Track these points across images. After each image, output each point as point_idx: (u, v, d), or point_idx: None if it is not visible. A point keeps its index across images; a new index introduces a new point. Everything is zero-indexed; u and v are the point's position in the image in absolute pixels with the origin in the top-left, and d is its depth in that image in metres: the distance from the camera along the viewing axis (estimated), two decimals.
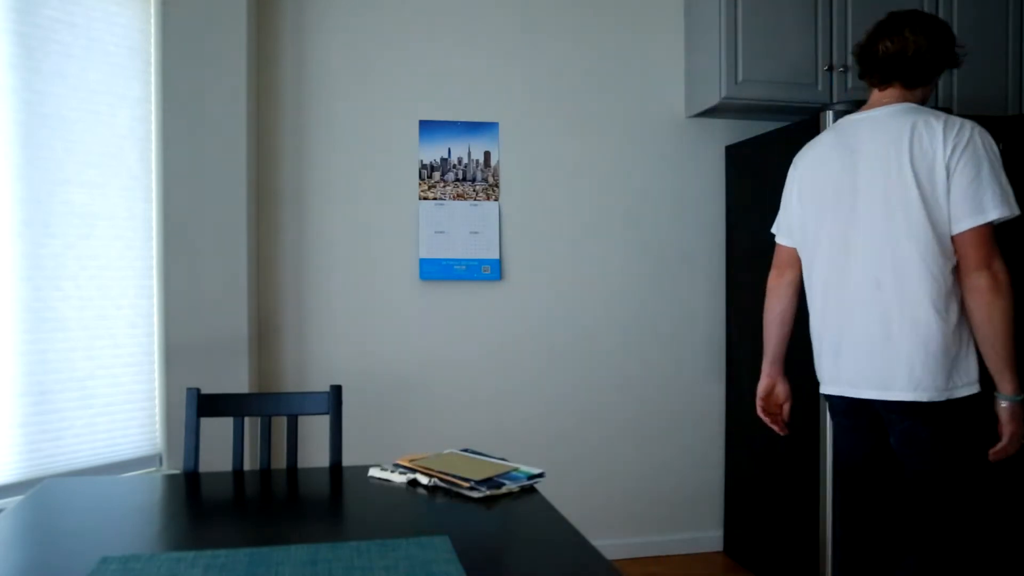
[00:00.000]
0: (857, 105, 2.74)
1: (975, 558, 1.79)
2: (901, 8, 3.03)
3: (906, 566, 1.86)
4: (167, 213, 2.52)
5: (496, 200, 3.08)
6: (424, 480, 1.61)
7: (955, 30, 3.07)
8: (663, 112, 3.22)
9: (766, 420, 2.13)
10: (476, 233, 3.05)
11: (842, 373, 1.87)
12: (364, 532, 1.34)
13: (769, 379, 2.12)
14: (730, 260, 3.22)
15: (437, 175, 3.04)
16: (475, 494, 1.52)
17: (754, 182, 3.04)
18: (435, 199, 3.03)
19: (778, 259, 2.08)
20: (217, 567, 1.15)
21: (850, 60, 2.98)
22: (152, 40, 2.52)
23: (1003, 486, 2.73)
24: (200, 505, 1.54)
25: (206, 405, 1.93)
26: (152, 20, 2.51)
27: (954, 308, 1.73)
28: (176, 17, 2.52)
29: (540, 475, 1.63)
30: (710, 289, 3.27)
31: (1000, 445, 1.73)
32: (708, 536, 3.27)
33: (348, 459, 2.96)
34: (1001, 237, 2.64)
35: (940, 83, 3.07)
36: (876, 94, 1.91)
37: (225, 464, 2.46)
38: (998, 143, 2.71)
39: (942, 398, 1.72)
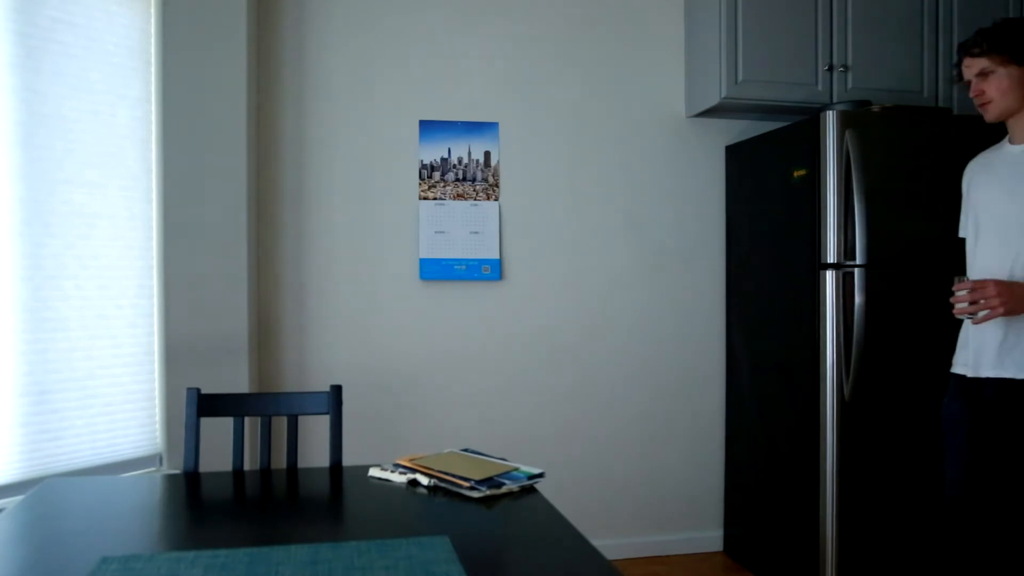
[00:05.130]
0: (857, 105, 2.74)
1: None
2: (901, 9, 3.03)
3: None
4: (167, 213, 2.52)
5: (496, 200, 3.08)
6: (424, 480, 1.61)
7: (955, 31, 3.07)
8: (663, 112, 3.22)
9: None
10: (476, 233, 3.05)
11: None
12: (364, 532, 1.34)
13: None
14: (730, 260, 3.22)
15: (437, 175, 3.04)
16: (475, 494, 1.52)
17: (754, 182, 3.04)
18: (435, 199, 3.03)
19: None
20: (217, 567, 1.15)
21: (850, 60, 2.98)
22: (152, 40, 2.52)
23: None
24: (200, 505, 1.54)
25: (206, 405, 1.93)
26: (152, 20, 2.51)
27: None
28: (176, 17, 2.52)
29: (540, 475, 1.63)
30: (710, 289, 3.26)
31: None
32: (708, 536, 3.27)
33: (348, 459, 2.96)
34: None
35: (939, 84, 3.06)
36: None
37: (225, 464, 2.46)
38: (998, 143, 2.71)
39: None
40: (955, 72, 2.06)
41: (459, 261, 3.04)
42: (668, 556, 3.21)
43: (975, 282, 1.85)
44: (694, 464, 3.28)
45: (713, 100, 2.97)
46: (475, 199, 3.06)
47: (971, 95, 2.00)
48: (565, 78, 3.14)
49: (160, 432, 2.55)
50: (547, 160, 3.13)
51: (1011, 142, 2.05)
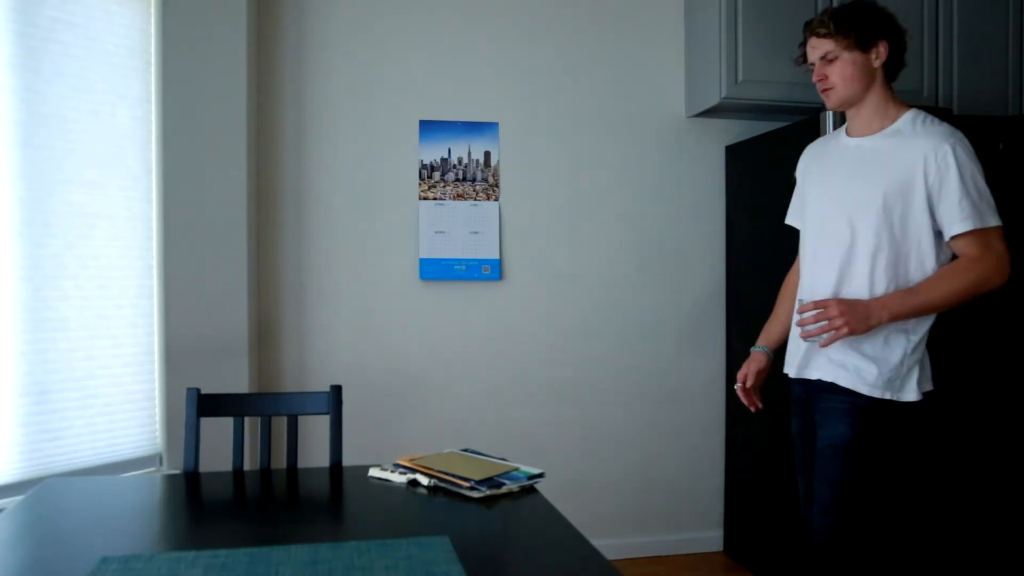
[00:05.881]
0: None
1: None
2: (897, 7, 3.03)
3: None
4: (167, 213, 2.52)
5: (496, 200, 3.08)
6: (424, 480, 1.61)
7: (955, 30, 3.06)
8: (663, 112, 3.22)
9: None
10: (476, 233, 3.05)
11: None
12: (364, 532, 1.34)
13: None
14: (730, 260, 3.22)
15: (437, 175, 3.04)
16: (475, 494, 1.52)
17: (754, 182, 3.04)
18: (435, 199, 3.03)
19: None
20: (217, 567, 1.15)
21: None
22: (152, 40, 2.52)
23: (1001, 488, 2.73)
24: (200, 505, 1.54)
25: (206, 405, 1.93)
26: (152, 20, 2.51)
27: None
28: (176, 17, 2.52)
29: (540, 475, 1.63)
30: (710, 289, 3.26)
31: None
32: (708, 536, 3.27)
33: (348, 459, 2.95)
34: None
35: (940, 83, 3.06)
36: None
37: (225, 464, 2.46)
38: (998, 143, 2.71)
39: None
40: (799, 52, 1.93)
41: (459, 261, 3.04)
42: (668, 556, 3.21)
43: (818, 302, 1.77)
44: (694, 464, 3.27)
45: (713, 100, 2.97)
46: (475, 199, 3.06)
47: (814, 79, 1.89)
48: (565, 78, 3.14)
49: (160, 432, 2.55)
50: (547, 160, 3.13)
51: (848, 133, 1.94)
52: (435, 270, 3.02)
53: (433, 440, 3.04)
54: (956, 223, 1.74)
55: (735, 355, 3.18)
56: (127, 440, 2.45)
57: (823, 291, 1.87)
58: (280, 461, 2.88)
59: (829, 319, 1.74)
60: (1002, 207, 2.70)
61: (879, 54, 1.83)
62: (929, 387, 1.87)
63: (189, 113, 2.53)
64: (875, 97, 1.86)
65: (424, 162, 3.03)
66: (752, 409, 2.09)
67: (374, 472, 1.70)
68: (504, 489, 1.54)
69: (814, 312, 1.77)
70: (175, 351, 2.52)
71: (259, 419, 2.08)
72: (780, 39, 2.93)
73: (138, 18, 2.47)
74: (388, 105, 3.01)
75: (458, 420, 3.06)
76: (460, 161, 3.05)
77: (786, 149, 2.82)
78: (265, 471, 1.83)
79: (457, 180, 3.05)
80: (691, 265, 3.25)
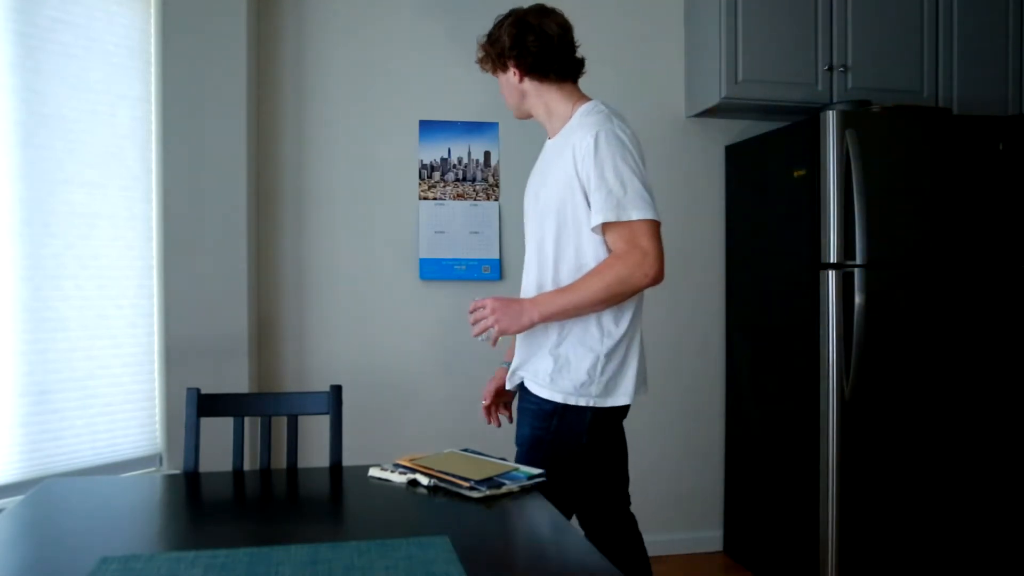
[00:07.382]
0: (857, 105, 2.74)
1: None
2: (898, 7, 3.03)
3: None
4: (167, 213, 2.52)
5: (496, 200, 3.08)
6: (424, 480, 1.61)
7: (955, 31, 3.06)
8: (663, 112, 3.22)
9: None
10: (476, 233, 3.05)
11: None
12: (364, 532, 1.34)
13: None
14: (730, 260, 3.22)
15: (437, 175, 3.04)
16: (475, 494, 1.52)
17: (754, 182, 3.04)
18: (435, 199, 3.03)
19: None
20: (217, 567, 1.15)
21: (850, 60, 2.98)
22: (152, 40, 2.52)
23: (998, 488, 2.73)
24: (200, 505, 1.54)
25: (206, 405, 1.93)
26: (152, 20, 2.51)
27: None
28: (176, 17, 2.52)
29: (540, 475, 1.63)
30: (710, 289, 3.26)
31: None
32: (708, 536, 3.27)
33: (348, 459, 2.94)
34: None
35: (939, 84, 3.06)
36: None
37: (225, 464, 2.46)
38: (998, 143, 2.71)
39: None
40: None
41: (459, 261, 3.04)
42: (668, 556, 3.21)
43: (478, 302, 1.80)
44: (694, 464, 3.27)
45: (713, 100, 2.97)
46: (475, 199, 3.06)
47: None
48: None
49: (160, 432, 2.55)
50: None
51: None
52: (435, 270, 3.02)
53: (433, 440, 3.04)
54: (593, 215, 1.74)
55: (735, 354, 3.18)
56: (127, 440, 2.45)
57: (527, 296, 1.87)
58: (280, 461, 2.88)
59: (484, 317, 1.80)
60: (1002, 207, 2.71)
61: (515, 72, 1.92)
62: (644, 391, 1.86)
63: (189, 113, 2.53)
64: (541, 104, 1.96)
65: (424, 162, 3.03)
66: (494, 425, 2.11)
67: (374, 472, 1.70)
68: (504, 489, 1.54)
69: (476, 312, 1.82)
70: (175, 351, 2.52)
71: (259, 419, 2.08)
72: (780, 39, 2.93)
73: (138, 18, 2.47)
74: (388, 105, 3.01)
75: (459, 420, 3.06)
76: (460, 161, 3.05)
77: (786, 149, 2.82)
78: (265, 471, 1.83)
79: (457, 180, 3.05)
80: (691, 264, 3.25)
